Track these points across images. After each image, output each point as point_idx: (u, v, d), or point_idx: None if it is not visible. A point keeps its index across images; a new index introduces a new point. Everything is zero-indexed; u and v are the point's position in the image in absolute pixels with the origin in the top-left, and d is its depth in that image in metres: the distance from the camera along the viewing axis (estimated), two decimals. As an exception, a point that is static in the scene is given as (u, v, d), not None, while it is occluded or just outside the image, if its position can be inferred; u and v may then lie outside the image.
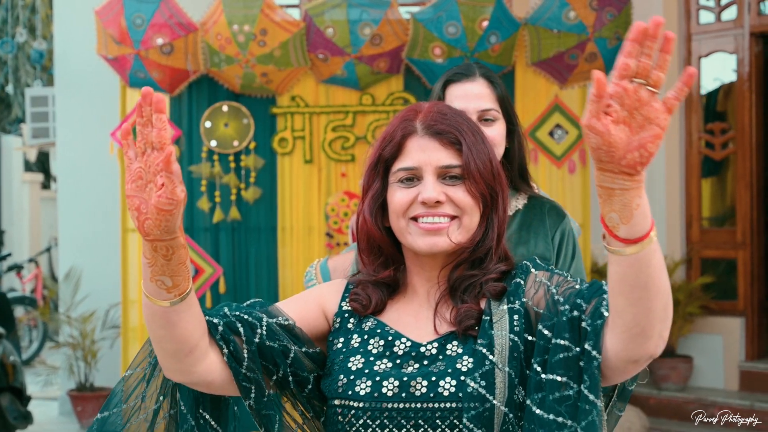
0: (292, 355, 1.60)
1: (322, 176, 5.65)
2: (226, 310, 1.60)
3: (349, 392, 1.57)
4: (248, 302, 1.66)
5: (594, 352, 1.42)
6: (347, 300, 1.69)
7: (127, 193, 1.39)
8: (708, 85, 7.04)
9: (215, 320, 1.56)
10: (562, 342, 1.44)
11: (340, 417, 1.58)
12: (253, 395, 1.58)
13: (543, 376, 1.45)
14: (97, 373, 6.75)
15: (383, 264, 1.68)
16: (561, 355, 1.44)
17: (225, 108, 5.63)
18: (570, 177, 5.81)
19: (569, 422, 1.43)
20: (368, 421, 1.55)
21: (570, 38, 5.49)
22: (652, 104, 1.23)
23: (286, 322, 1.61)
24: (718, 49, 6.81)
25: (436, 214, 1.59)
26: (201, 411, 1.62)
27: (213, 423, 1.63)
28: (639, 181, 1.28)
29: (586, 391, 1.42)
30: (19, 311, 9.82)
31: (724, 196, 7.04)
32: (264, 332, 1.57)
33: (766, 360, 6.66)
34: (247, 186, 5.64)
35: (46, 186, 14.35)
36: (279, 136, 5.64)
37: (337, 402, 1.59)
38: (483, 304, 1.59)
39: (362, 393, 1.56)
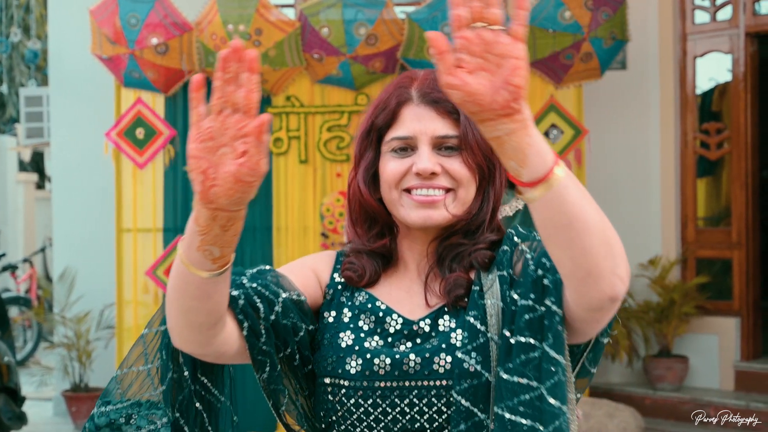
0: (301, 333, 1.54)
1: (317, 176, 5.64)
2: (244, 280, 1.52)
3: (339, 370, 1.51)
4: (257, 269, 1.56)
5: (554, 307, 1.38)
6: (340, 271, 1.62)
7: (192, 152, 1.25)
8: (703, 85, 7.04)
9: (234, 292, 1.48)
10: (527, 302, 1.40)
11: (330, 396, 1.52)
12: (267, 369, 1.51)
13: (511, 340, 1.41)
14: (91, 373, 6.74)
15: (378, 234, 1.61)
16: (526, 316, 1.40)
17: (220, 108, 5.62)
18: (565, 177, 5.81)
19: (534, 383, 1.38)
20: (360, 400, 1.49)
21: (565, 38, 5.49)
22: (500, 41, 1.21)
23: (299, 298, 1.54)
24: (713, 49, 6.81)
25: (430, 186, 1.52)
26: (199, 375, 1.54)
27: (211, 387, 1.56)
28: (521, 120, 1.24)
29: (549, 350, 1.37)
30: (13, 311, 9.80)
31: (719, 196, 7.05)
32: (280, 309, 1.50)
33: (762, 360, 6.67)
34: (242, 186, 5.63)
35: (40, 186, 14.33)
36: (274, 136, 5.63)
37: (327, 380, 1.52)
38: (473, 276, 1.54)
39: (353, 371, 1.50)
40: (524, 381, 1.38)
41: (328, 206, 5.61)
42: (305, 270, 1.62)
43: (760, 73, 6.83)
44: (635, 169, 6.89)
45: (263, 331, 1.48)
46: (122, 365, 1.56)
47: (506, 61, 1.21)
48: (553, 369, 1.37)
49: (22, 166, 13.99)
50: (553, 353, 1.38)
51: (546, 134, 5.75)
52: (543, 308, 1.39)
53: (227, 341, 1.46)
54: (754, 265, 6.76)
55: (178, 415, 1.53)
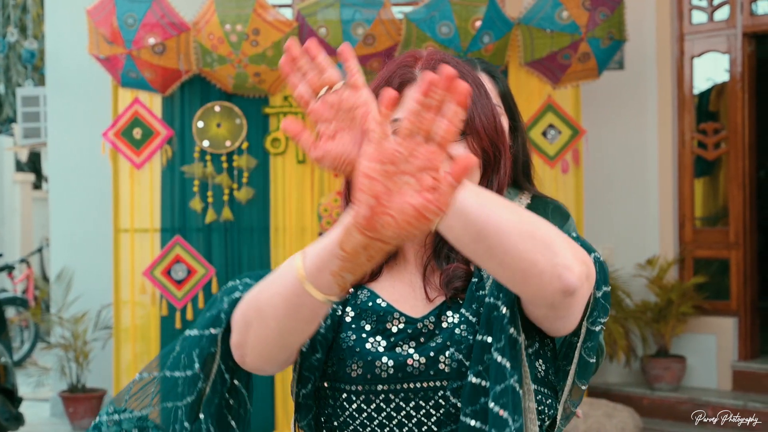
0: (329, 345, 1.46)
1: (315, 176, 5.64)
2: None
3: (340, 374, 1.42)
4: None
5: (503, 309, 1.33)
6: None
7: (368, 172, 1.10)
8: (700, 85, 7.04)
9: None
10: (490, 300, 1.36)
11: (330, 400, 1.43)
12: (310, 385, 1.43)
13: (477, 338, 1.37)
14: (89, 374, 6.73)
15: None
16: (490, 315, 1.35)
17: (217, 108, 5.61)
18: (563, 177, 5.81)
19: (486, 383, 1.32)
20: (362, 405, 1.40)
21: (563, 38, 5.49)
22: (343, 97, 1.25)
23: (332, 306, 1.45)
24: (710, 49, 6.81)
25: None
26: (235, 382, 1.45)
27: (245, 393, 1.46)
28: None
29: (494, 353, 1.32)
30: (10, 312, 9.78)
31: (716, 196, 7.05)
32: (329, 323, 1.44)
33: (759, 360, 6.67)
34: (239, 186, 5.62)
35: (37, 186, 14.31)
36: (272, 136, 5.62)
37: (326, 384, 1.43)
38: (474, 268, 1.46)
39: (353, 375, 1.41)
40: (477, 380, 1.33)
41: (326, 206, 5.60)
42: None
43: (757, 73, 6.83)
44: (633, 169, 6.89)
45: (318, 347, 1.43)
46: (146, 370, 1.48)
47: (356, 112, 1.24)
48: (501, 374, 1.31)
49: (19, 167, 13.97)
50: (498, 356, 1.31)
51: (543, 134, 5.75)
52: (499, 308, 1.35)
53: (291, 357, 1.41)
54: (751, 265, 6.76)
55: (212, 427, 1.43)
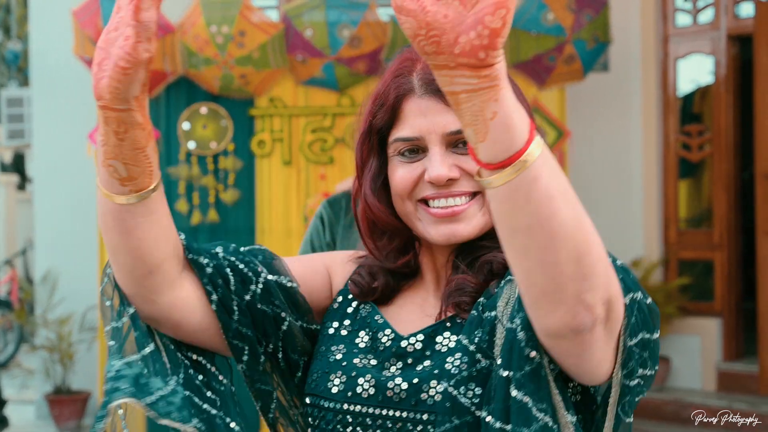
0: (284, 327, 1.30)
1: (300, 178, 5.63)
2: (218, 250, 1.28)
3: (321, 387, 1.27)
4: (250, 248, 1.33)
5: (520, 333, 1.12)
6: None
7: (98, 44, 1.13)
8: (685, 87, 7.08)
9: (203, 260, 1.25)
10: (511, 325, 1.16)
11: (310, 419, 1.29)
12: (245, 358, 1.28)
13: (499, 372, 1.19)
14: (74, 375, 6.70)
15: (398, 250, 1.34)
16: (507, 343, 1.16)
17: (203, 110, 5.60)
18: (548, 179, 5.83)
19: (509, 427, 1.12)
20: (338, 426, 1.25)
21: (548, 40, 5.51)
22: None
23: (289, 284, 1.30)
24: (695, 51, 6.84)
25: (450, 194, 1.24)
26: (188, 352, 1.28)
27: (205, 362, 1.28)
28: (489, 78, 0.92)
29: (513, 389, 1.10)
30: (-6, 314, 9.74)
31: (701, 197, 7.08)
32: (258, 290, 1.27)
33: (744, 361, 6.70)
34: (225, 188, 5.61)
35: (21, 187, 14.23)
36: (257, 137, 5.62)
37: (308, 400, 1.30)
38: (493, 287, 1.25)
39: (334, 390, 1.26)
40: (497, 425, 1.11)
41: (311, 208, 5.60)
42: (315, 265, 1.39)
43: (741, 75, 6.87)
44: (617, 171, 6.91)
45: (236, 308, 1.26)
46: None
47: None
48: (531, 415, 1.09)
49: (3, 168, 13.91)
50: (516, 392, 1.10)
51: (529, 136, 5.77)
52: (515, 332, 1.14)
53: (181, 307, 1.24)
54: (735, 266, 6.79)
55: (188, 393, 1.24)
